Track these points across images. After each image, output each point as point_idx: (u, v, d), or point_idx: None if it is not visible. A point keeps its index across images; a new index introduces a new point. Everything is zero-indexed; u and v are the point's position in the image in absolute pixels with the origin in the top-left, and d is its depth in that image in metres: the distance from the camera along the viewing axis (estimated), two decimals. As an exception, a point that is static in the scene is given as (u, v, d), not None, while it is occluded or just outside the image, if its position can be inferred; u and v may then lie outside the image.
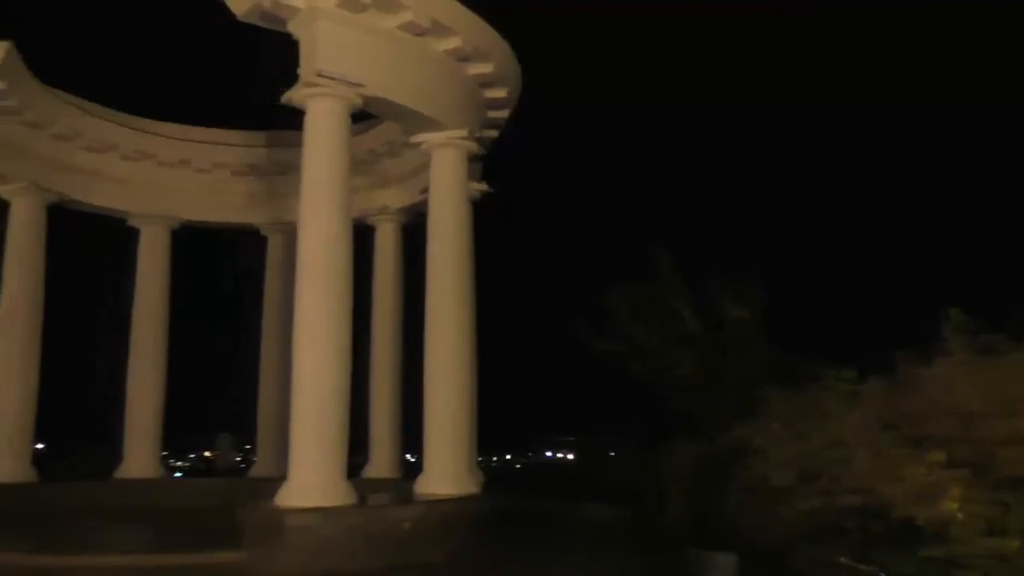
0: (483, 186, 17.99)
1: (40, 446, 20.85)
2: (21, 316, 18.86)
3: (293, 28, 13.56)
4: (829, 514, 9.66)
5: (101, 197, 20.67)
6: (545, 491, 22.52)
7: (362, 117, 15.91)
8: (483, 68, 15.47)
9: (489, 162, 18.28)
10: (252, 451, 23.64)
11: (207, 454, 40.34)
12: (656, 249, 18.53)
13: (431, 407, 14.77)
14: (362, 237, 19.31)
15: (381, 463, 19.88)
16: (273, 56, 14.44)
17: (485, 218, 17.63)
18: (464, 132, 15.45)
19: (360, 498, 12.97)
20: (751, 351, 17.13)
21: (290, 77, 13.53)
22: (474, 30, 14.83)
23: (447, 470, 14.44)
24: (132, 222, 21.54)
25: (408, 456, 21.67)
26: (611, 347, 18.29)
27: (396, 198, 20.26)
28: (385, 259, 20.64)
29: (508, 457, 52.14)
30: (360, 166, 18.11)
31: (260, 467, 21.89)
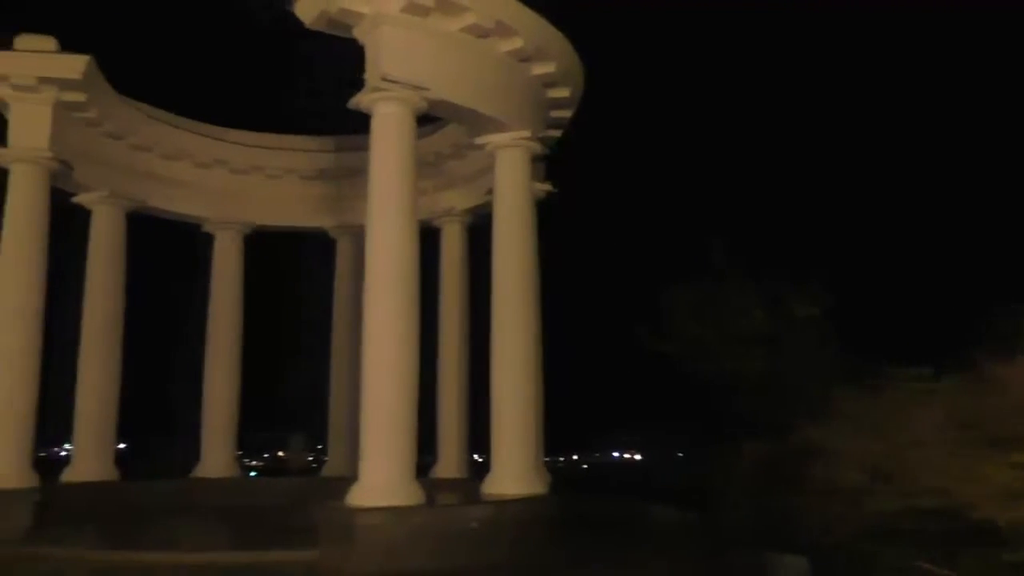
0: (547, 186, 18.00)
1: (122, 446, 21.51)
2: (103, 320, 19.48)
3: (359, 34, 13.80)
4: (903, 515, 9.41)
5: (177, 204, 21.26)
6: (612, 491, 22.38)
7: (428, 120, 16.08)
8: (546, 68, 15.49)
9: (553, 161, 18.27)
10: (323, 451, 24.05)
11: (280, 454, 41.25)
12: (716, 247, 18.27)
13: (498, 407, 14.84)
14: (428, 239, 19.52)
15: (449, 463, 20.03)
16: (343, 62, 14.70)
17: (551, 217, 17.64)
18: (527, 132, 15.50)
19: (429, 498, 13.11)
20: (817, 350, 16.78)
21: (358, 82, 13.77)
22: (536, 30, 14.86)
23: (514, 470, 14.49)
24: (207, 228, 22.12)
25: (476, 456, 21.79)
26: (670, 347, 18.10)
27: (461, 199, 20.40)
28: (451, 260, 20.80)
29: (575, 457, 51.99)
30: (426, 168, 18.30)
31: (331, 467, 22.26)
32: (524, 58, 15.16)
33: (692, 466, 20.01)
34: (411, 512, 12.54)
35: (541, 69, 15.49)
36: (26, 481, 15.91)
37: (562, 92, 16.24)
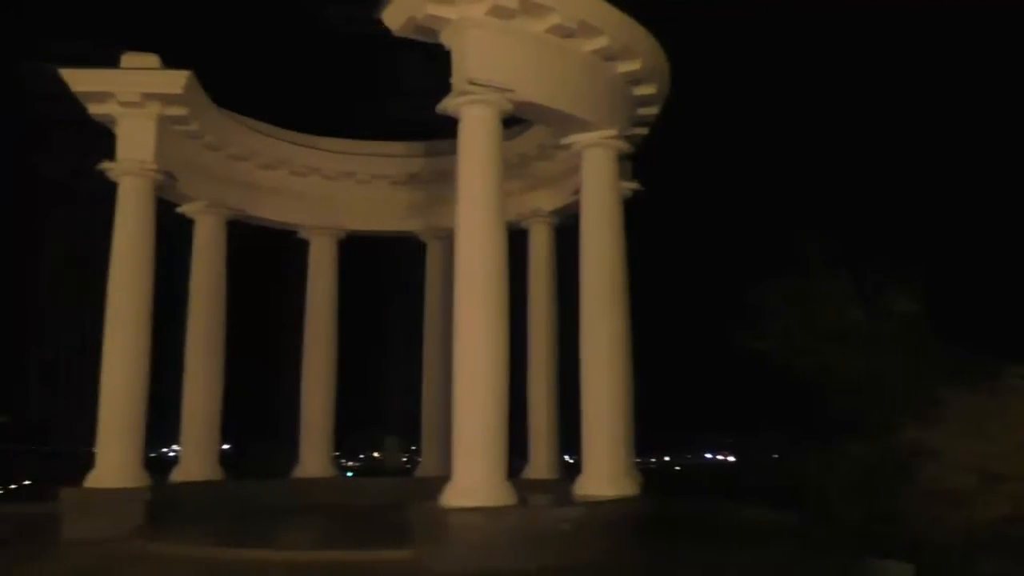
0: (634, 184, 17.83)
1: (226, 447, 22.27)
2: (207, 324, 20.21)
3: (445, 39, 13.96)
4: (1014, 521, 8.94)
5: (274, 211, 21.91)
6: (705, 493, 21.98)
7: (514, 121, 16.14)
8: (631, 66, 15.36)
9: (640, 159, 18.09)
10: (417, 452, 24.40)
11: (375, 455, 42.04)
12: (809, 240, 17.67)
13: (587, 408, 14.79)
14: (516, 240, 19.58)
15: (540, 464, 20.05)
16: (431, 68, 14.90)
17: (638, 215, 17.45)
18: (614, 131, 15.40)
19: (521, 499, 13.15)
20: (918, 347, 16.06)
21: (446, 87, 13.94)
22: (621, 28, 14.75)
23: (605, 471, 14.41)
24: (302, 234, 22.71)
25: (567, 458, 21.74)
26: (764, 345, 17.61)
27: (549, 200, 20.40)
28: (539, 261, 20.82)
29: (666, 458, 51.33)
30: (513, 170, 18.37)
31: (425, 467, 22.58)
32: (609, 56, 15.07)
33: (787, 467, 19.43)
34: (503, 512, 12.60)
35: (626, 67, 15.37)
36: (138, 480, 16.61)
37: (648, 89, 16.09)
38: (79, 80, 16.77)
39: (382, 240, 24.26)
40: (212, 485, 19.49)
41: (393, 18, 14.01)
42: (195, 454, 19.83)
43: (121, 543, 14.67)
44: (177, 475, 19.55)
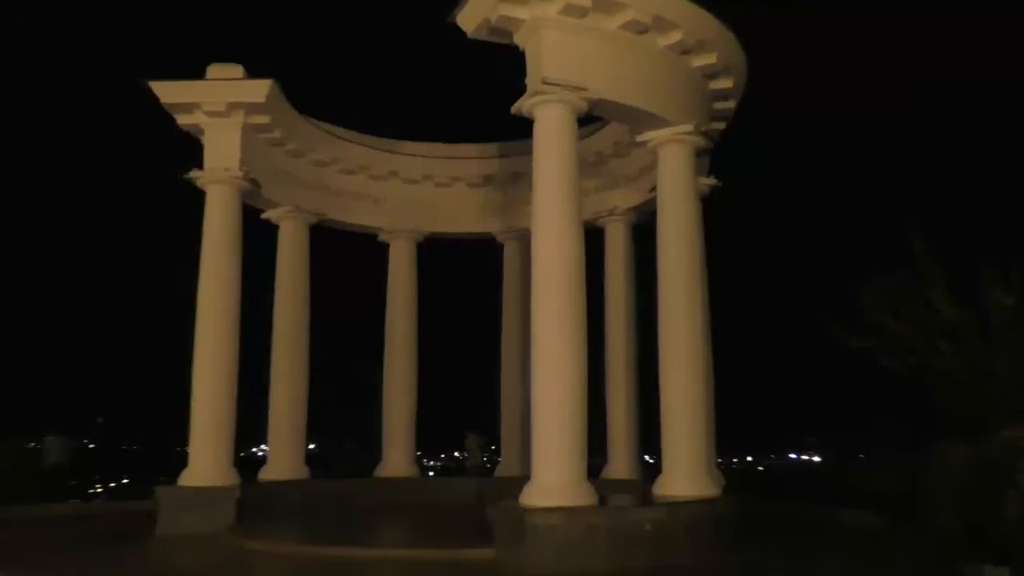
0: (712, 180, 17.56)
1: (311, 446, 22.78)
2: (292, 327, 20.68)
3: (519, 40, 13.98)
4: None
5: (356, 215, 22.28)
6: (790, 494, 21.46)
7: (589, 119, 16.06)
8: (707, 59, 15.12)
9: (719, 154, 17.81)
10: (497, 452, 24.52)
11: (456, 454, 42.41)
12: (913, 234, 17.01)
13: (667, 407, 14.62)
14: (593, 239, 19.49)
15: (620, 464, 19.92)
16: (505, 70, 14.95)
17: (719, 212, 17.19)
18: (690, 127, 15.18)
19: (601, 499, 13.07)
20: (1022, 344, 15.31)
21: (520, 87, 13.97)
22: (697, 22, 14.52)
23: (686, 471, 14.22)
24: (382, 237, 23.07)
25: (647, 457, 21.55)
26: (862, 342, 17.04)
27: (625, 198, 20.26)
28: (616, 260, 20.69)
29: (749, 459, 50.34)
30: (588, 168, 18.31)
31: (505, 467, 22.68)
32: (684, 51, 14.87)
33: (880, 468, 18.83)
34: (584, 513, 12.54)
35: (702, 61, 15.14)
36: (228, 479, 17.12)
37: (725, 83, 15.81)
38: (167, 92, 17.38)
39: (460, 241, 24.45)
40: (298, 484, 19.93)
41: (467, 21, 14.11)
42: (282, 454, 20.32)
43: (214, 539, 15.20)
44: (265, 474, 20.06)
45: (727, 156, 18.21)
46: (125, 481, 36.51)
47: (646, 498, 14.54)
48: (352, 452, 26.44)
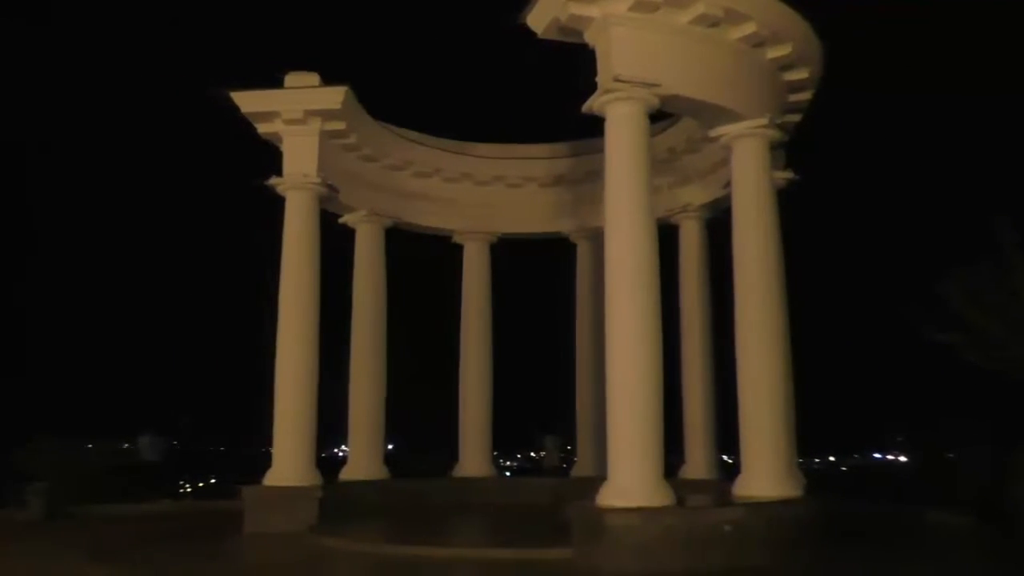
0: (788, 174, 17.21)
1: (390, 447, 23.11)
2: (369, 330, 21.04)
3: (589, 38, 13.93)
4: None
5: (430, 218, 22.53)
6: (875, 495, 20.86)
7: (660, 116, 15.92)
8: (781, 51, 14.82)
9: (795, 147, 17.44)
10: (573, 452, 24.48)
11: (532, 454, 42.48)
12: (999, 223, 16.34)
13: (745, 406, 14.38)
14: (667, 236, 19.32)
15: (697, 464, 19.69)
16: (575, 69, 14.93)
17: (796, 205, 16.82)
18: (764, 120, 14.90)
19: (679, 499, 12.93)
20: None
21: (591, 86, 13.92)
22: (769, 13, 14.25)
23: (766, 471, 13.96)
24: (457, 239, 23.27)
25: (725, 457, 21.23)
26: (947, 338, 16.44)
27: (698, 195, 20.02)
28: (691, 257, 20.48)
29: (831, 459, 49.03)
30: (660, 165, 18.13)
31: (581, 467, 22.62)
32: (757, 43, 14.60)
33: (971, 469, 18.14)
34: (661, 513, 12.42)
35: (776, 52, 14.84)
36: (311, 479, 17.50)
37: (800, 74, 15.46)
38: (247, 101, 17.84)
39: (533, 241, 24.50)
40: (378, 484, 20.25)
41: (537, 21, 14.13)
42: (362, 454, 20.68)
43: (297, 538, 15.55)
44: (345, 474, 20.46)
45: (803, 148, 17.83)
46: (212, 481, 37.71)
47: (725, 499, 14.32)
48: (430, 453, 26.68)
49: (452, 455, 22.80)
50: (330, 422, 20.58)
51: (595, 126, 14.31)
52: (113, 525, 18.01)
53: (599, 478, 13.37)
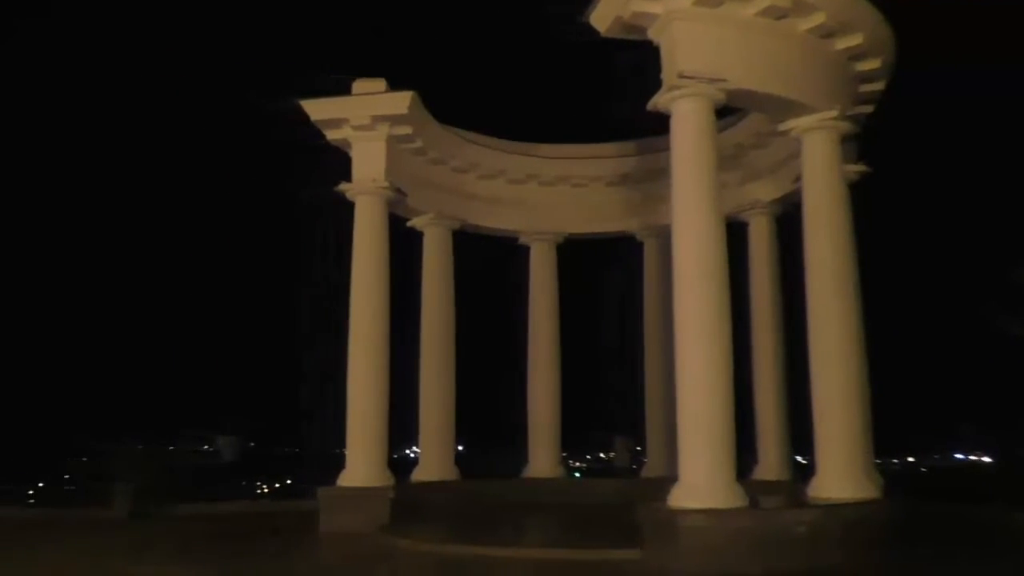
0: (860, 167, 16.79)
1: (460, 448, 23.25)
2: (438, 332, 21.24)
3: (653, 34, 13.84)
4: None
5: (496, 220, 22.64)
6: (957, 496, 20.17)
7: (727, 111, 15.72)
8: (852, 41, 14.45)
9: (866, 140, 17.00)
10: (642, 452, 24.30)
11: (602, 455, 42.30)
12: None
13: (819, 405, 14.07)
14: (735, 233, 19.04)
15: (770, 464, 19.35)
16: (639, 67, 14.83)
17: (869, 199, 16.40)
18: (835, 112, 14.57)
19: (752, 500, 12.73)
20: None
21: (656, 83, 13.82)
22: (839, 2, 13.91)
23: (842, 472, 13.63)
24: (523, 240, 23.32)
25: (799, 458, 20.80)
26: None
27: (767, 190, 19.67)
28: (760, 254, 20.14)
29: (910, 459, 47.52)
30: (728, 161, 17.87)
31: (651, 468, 22.43)
32: (827, 33, 14.28)
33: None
34: (734, 515, 12.25)
35: (846, 42, 14.47)
36: (383, 480, 17.76)
37: (871, 64, 15.04)
38: (316, 109, 18.20)
39: (599, 241, 24.40)
40: (448, 485, 20.44)
41: (600, 19, 14.08)
42: (432, 455, 20.90)
43: (369, 538, 15.80)
44: (417, 475, 20.70)
45: (876, 139, 17.37)
46: (288, 481, 38.54)
47: (799, 500, 14.04)
48: (499, 454, 26.80)
49: (521, 456, 22.84)
50: (401, 423, 20.81)
51: (661, 124, 14.18)
52: (192, 525, 18.58)
53: (669, 479, 13.24)
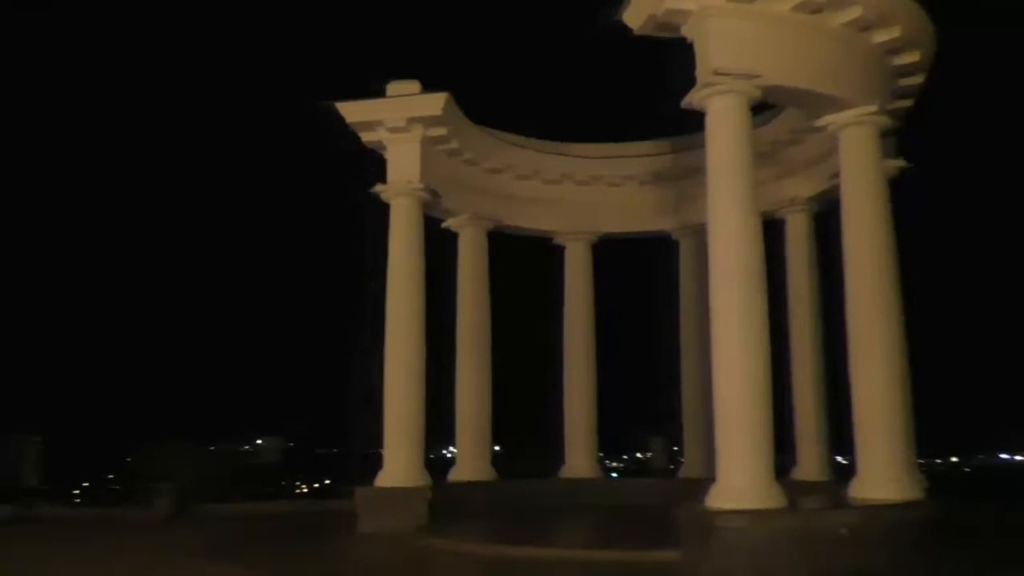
0: (900, 162, 16.51)
1: (496, 448, 23.27)
2: (474, 332, 21.29)
3: (687, 32, 13.72)
4: None
5: (531, 220, 22.62)
6: (1000, 496, 19.76)
7: (763, 107, 15.53)
8: (889, 34, 14.20)
9: (906, 134, 16.71)
10: (679, 452, 24.14)
11: (639, 455, 42.09)
12: None
13: (859, 405, 13.85)
14: (772, 231, 18.83)
15: (809, 465, 19.11)
16: (672, 65, 14.73)
17: (908, 193, 16.13)
18: (873, 107, 14.33)
19: (791, 501, 12.57)
20: None
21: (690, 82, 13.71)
22: (876, -5, 13.70)
23: (884, 473, 13.40)
24: (558, 240, 23.27)
25: (839, 458, 20.51)
26: None
27: (804, 187, 19.42)
28: (798, 251, 19.89)
29: (953, 460, 46.65)
30: (763, 158, 17.66)
31: (688, 468, 22.28)
32: (864, 27, 14.03)
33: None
34: (773, 516, 12.11)
35: (884, 36, 14.21)
36: (420, 480, 17.84)
37: (910, 57, 14.76)
38: (352, 112, 18.34)
39: (634, 240, 24.27)
40: (485, 485, 20.48)
41: (634, 17, 14.01)
42: (469, 455, 20.95)
43: (407, 538, 15.88)
44: (454, 475, 20.77)
45: (917, 133, 17.08)
46: (327, 482, 38.92)
47: (839, 501, 13.84)
48: (536, 454, 26.78)
49: (558, 456, 22.80)
50: (438, 424, 20.89)
51: (696, 121, 14.06)
52: (232, 524, 18.82)
53: (707, 479, 13.13)
